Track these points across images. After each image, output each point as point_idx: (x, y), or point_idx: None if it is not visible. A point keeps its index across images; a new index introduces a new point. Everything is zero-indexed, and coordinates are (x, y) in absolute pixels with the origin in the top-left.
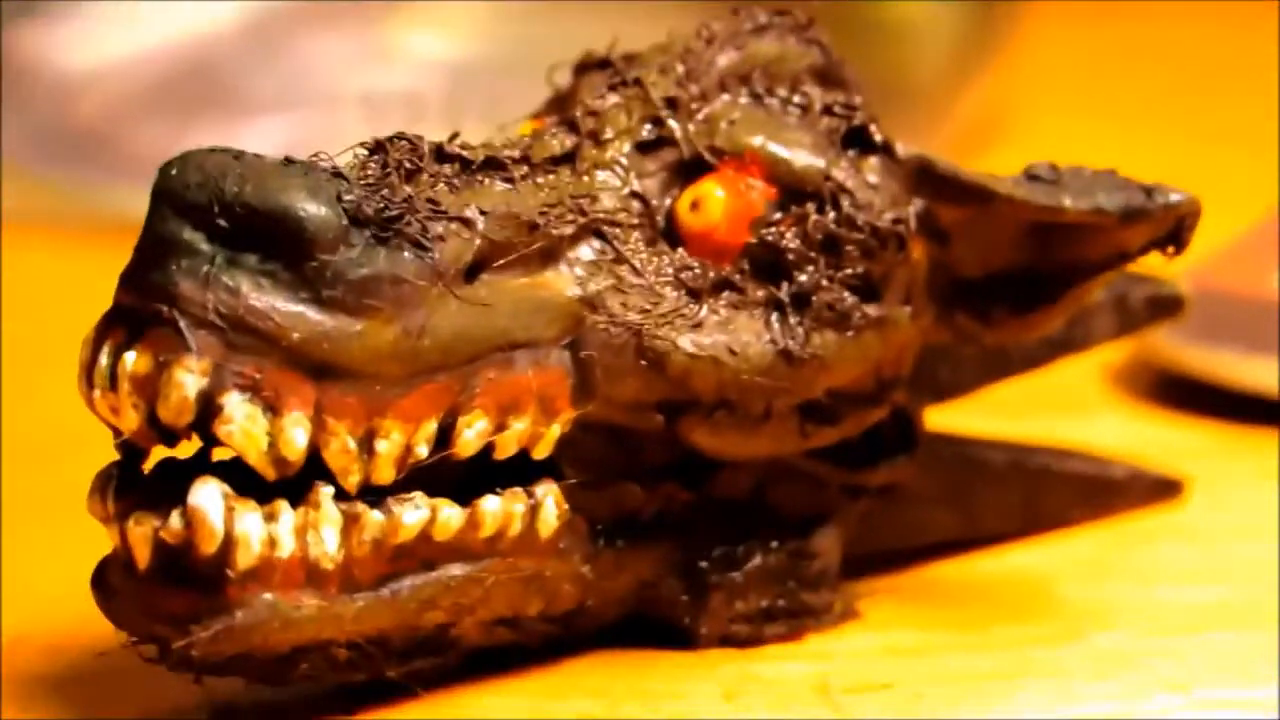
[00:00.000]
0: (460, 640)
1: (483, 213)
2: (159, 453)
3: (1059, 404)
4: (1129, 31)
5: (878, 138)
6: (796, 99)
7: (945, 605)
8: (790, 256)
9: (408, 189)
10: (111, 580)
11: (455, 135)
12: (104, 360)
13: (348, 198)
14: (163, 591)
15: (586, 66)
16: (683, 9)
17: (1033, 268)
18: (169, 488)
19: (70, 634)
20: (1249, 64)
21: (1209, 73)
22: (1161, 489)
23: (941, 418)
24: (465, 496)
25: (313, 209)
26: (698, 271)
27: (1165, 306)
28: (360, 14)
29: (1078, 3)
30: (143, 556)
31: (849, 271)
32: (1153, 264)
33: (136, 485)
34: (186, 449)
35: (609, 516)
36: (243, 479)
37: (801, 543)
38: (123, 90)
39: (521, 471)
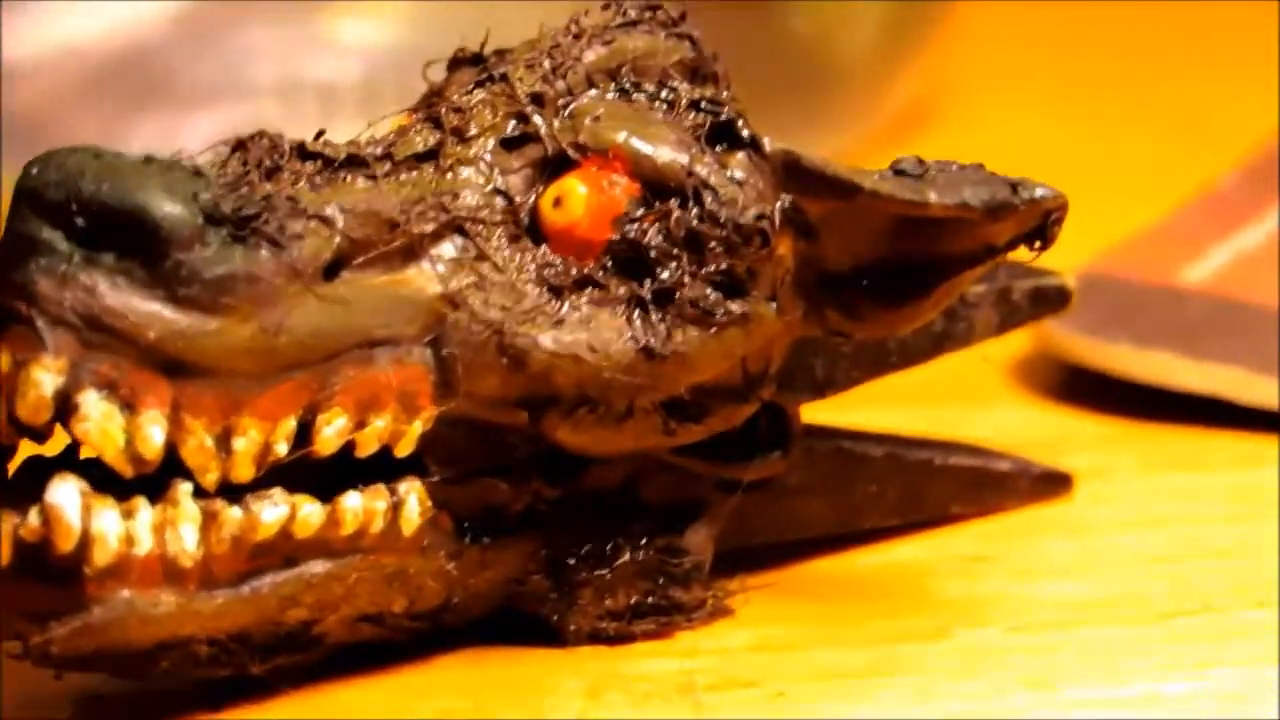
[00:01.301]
0: (324, 637)
1: (343, 210)
2: (33, 449)
3: (955, 395)
4: (1062, 15)
5: (744, 133)
6: (664, 94)
7: (819, 601)
8: (652, 253)
9: (268, 187)
10: None
11: (321, 133)
12: None
13: (204, 196)
14: (22, 587)
15: (459, 62)
16: None
17: (901, 262)
18: (33, 485)
19: None
20: (1182, 50)
21: (1140, 58)
22: (1049, 483)
23: (832, 410)
24: (328, 493)
25: (168, 208)
26: (560, 269)
27: (1050, 299)
28: (297, 2)
29: None
30: (3, 553)
31: (712, 268)
32: (1035, 257)
33: (1, 483)
34: (56, 446)
35: (474, 513)
36: (106, 476)
37: (672, 538)
38: (56, 82)
39: (386, 467)
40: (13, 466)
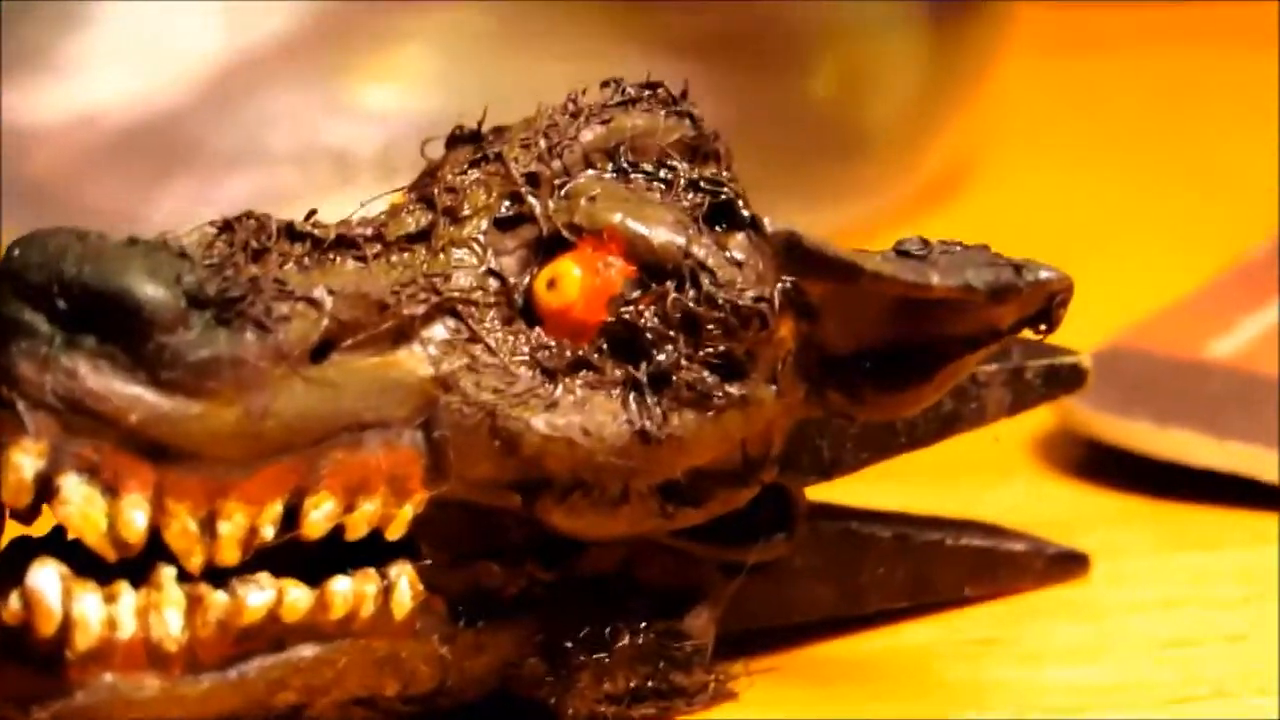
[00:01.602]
0: None
1: (331, 292)
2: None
3: (968, 471)
4: (1100, 74)
5: (744, 213)
6: (662, 174)
7: (823, 685)
8: (648, 335)
9: (254, 269)
10: None
11: (312, 213)
12: None
13: (188, 278)
14: (4, 671)
15: (457, 139)
16: (645, 56)
17: (904, 343)
18: (15, 567)
19: None
20: (1225, 108)
21: (1184, 116)
22: (1064, 563)
23: (841, 487)
24: (317, 576)
25: (150, 290)
26: (554, 351)
27: (1065, 379)
28: (324, 67)
29: (1048, 49)
30: None
31: (709, 350)
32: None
33: None
34: (46, 524)
35: (468, 596)
36: (91, 558)
37: (672, 622)
38: (78, 146)
39: (378, 549)
40: None
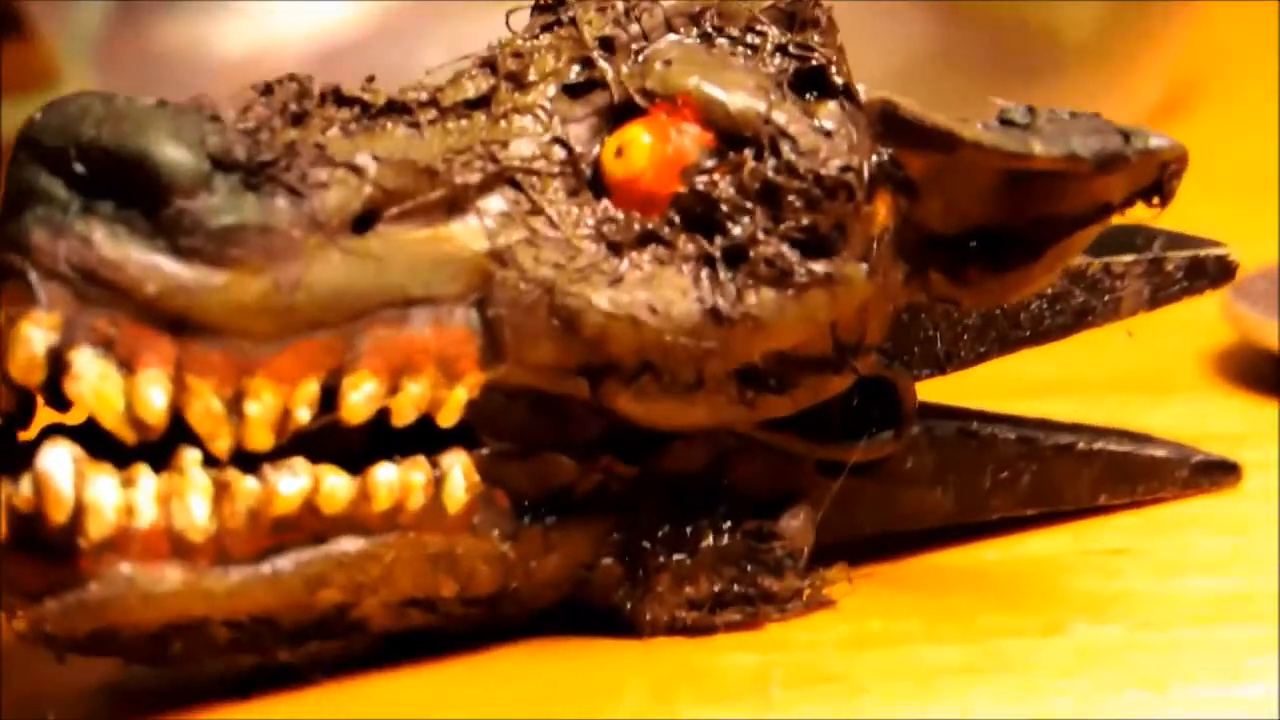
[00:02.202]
0: (365, 622)
1: (376, 159)
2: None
3: (1141, 385)
4: None
5: (836, 80)
6: (750, 39)
7: (930, 595)
8: (723, 207)
9: (293, 133)
10: None
11: (371, 79)
12: None
13: (213, 140)
14: (17, 561)
15: (541, 8)
16: None
17: (1011, 222)
18: (33, 451)
19: None
20: None
21: None
22: (1211, 472)
23: (966, 391)
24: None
25: (170, 151)
26: (621, 223)
27: (1209, 272)
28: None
29: None
30: None
31: (791, 224)
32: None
33: (10, 451)
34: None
35: (535, 491)
36: (115, 446)
37: (763, 523)
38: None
39: (434, 441)
40: (32, 433)
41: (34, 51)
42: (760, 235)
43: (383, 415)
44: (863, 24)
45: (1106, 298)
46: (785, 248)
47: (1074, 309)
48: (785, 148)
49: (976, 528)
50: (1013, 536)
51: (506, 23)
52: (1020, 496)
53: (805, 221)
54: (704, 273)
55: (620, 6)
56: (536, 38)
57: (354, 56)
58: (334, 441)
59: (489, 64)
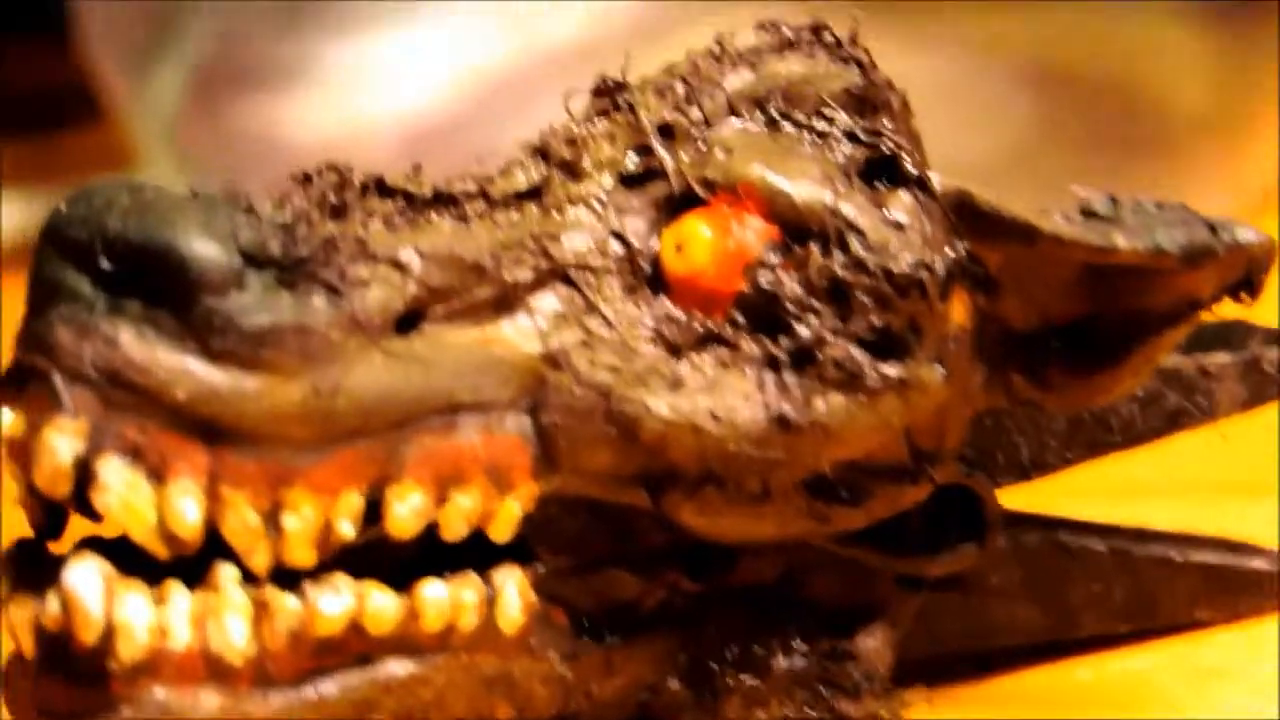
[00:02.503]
0: None
1: (421, 254)
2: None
3: (1238, 487)
4: None
5: (909, 169)
6: (817, 124)
7: (1016, 714)
8: (789, 306)
9: (332, 227)
10: (10, 672)
11: (418, 168)
12: None
13: (245, 235)
14: (47, 684)
15: (601, 92)
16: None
17: (1095, 320)
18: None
19: None
20: None
21: None
22: None
23: (1052, 499)
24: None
25: (198, 246)
26: (681, 324)
27: None
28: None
29: None
30: (26, 645)
31: (861, 324)
32: None
33: (40, 564)
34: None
35: (595, 609)
36: (157, 566)
37: (840, 642)
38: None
39: (488, 558)
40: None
41: (112, 133)
42: (828, 336)
43: (431, 527)
44: (965, 102)
45: (1201, 399)
46: (855, 349)
47: (1167, 411)
48: (854, 242)
49: (1067, 645)
50: (1105, 654)
51: (565, 108)
52: (1113, 611)
53: (876, 321)
54: (769, 377)
55: (681, 90)
56: (592, 123)
57: (440, 139)
58: (380, 555)
59: (541, 152)
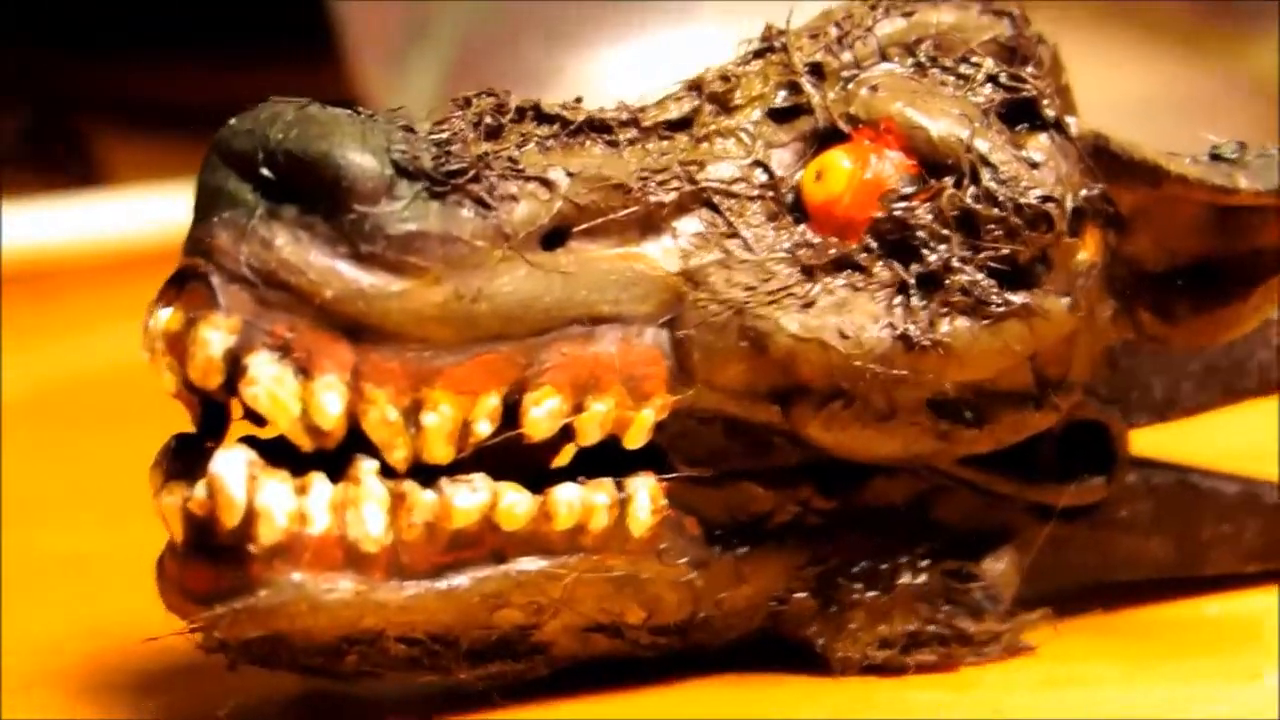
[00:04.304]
0: (549, 646)
1: (569, 174)
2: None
3: None
4: None
5: (1048, 112)
6: (963, 69)
7: (1135, 642)
8: (920, 234)
9: (486, 146)
10: (163, 558)
11: (579, 100)
12: (149, 320)
13: (399, 148)
14: (191, 566)
15: (763, 37)
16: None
17: (1220, 259)
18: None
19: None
20: None
21: None
22: None
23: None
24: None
25: (353, 156)
26: (817, 248)
27: None
28: None
29: None
30: (176, 530)
31: (989, 253)
32: None
33: (195, 457)
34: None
35: (727, 520)
36: (303, 459)
37: (964, 563)
38: None
39: (627, 465)
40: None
41: None
42: (956, 263)
43: (573, 439)
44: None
45: None
46: (982, 277)
47: None
48: (986, 175)
49: (1199, 582)
50: (1232, 593)
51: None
52: (1242, 552)
53: (1004, 251)
54: (898, 300)
55: (833, 33)
56: (747, 63)
57: None
58: (522, 460)
59: (695, 87)
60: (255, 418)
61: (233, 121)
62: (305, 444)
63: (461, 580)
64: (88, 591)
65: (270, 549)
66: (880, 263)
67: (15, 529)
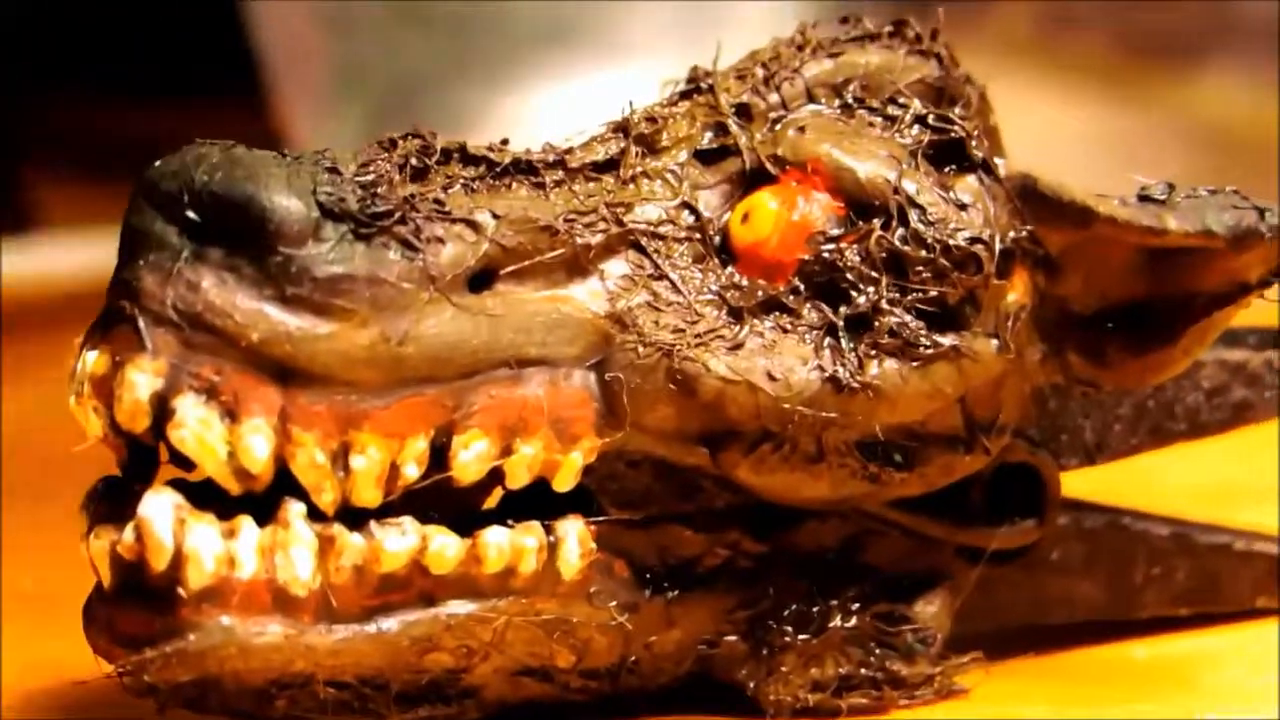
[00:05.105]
0: (478, 690)
1: (496, 216)
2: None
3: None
4: None
5: (976, 153)
6: (890, 110)
7: (1067, 685)
8: (849, 275)
9: (412, 188)
10: (90, 601)
11: (505, 142)
12: (76, 364)
13: (325, 190)
14: (120, 610)
15: (689, 78)
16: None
17: (1149, 301)
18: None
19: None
20: None
21: None
22: None
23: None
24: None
25: (279, 198)
26: (744, 290)
27: None
28: None
29: None
30: (104, 573)
31: (918, 295)
32: None
33: (123, 501)
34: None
35: (657, 562)
36: (233, 505)
37: (895, 606)
38: None
39: (555, 509)
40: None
41: None
42: (885, 305)
43: (502, 482)
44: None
45: (1268, 393)
46: (911, 318)
47: (1233, 404)
48: (914, 217)
49: (1131, 625)
50: (1167, 635)
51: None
52: (1173, 594)
53: (933, 292)
54: (826, 341)
55: (760, 74)
56: (674, 104)
57: None
58: (448, 505)
59: (622, 128)
60: (183, 461)
61: (158, 163)
62: (233, 487)
63: (391, 624)
64: (22, 632)
65: (199, 593)
66: (808, 304)
67: None
